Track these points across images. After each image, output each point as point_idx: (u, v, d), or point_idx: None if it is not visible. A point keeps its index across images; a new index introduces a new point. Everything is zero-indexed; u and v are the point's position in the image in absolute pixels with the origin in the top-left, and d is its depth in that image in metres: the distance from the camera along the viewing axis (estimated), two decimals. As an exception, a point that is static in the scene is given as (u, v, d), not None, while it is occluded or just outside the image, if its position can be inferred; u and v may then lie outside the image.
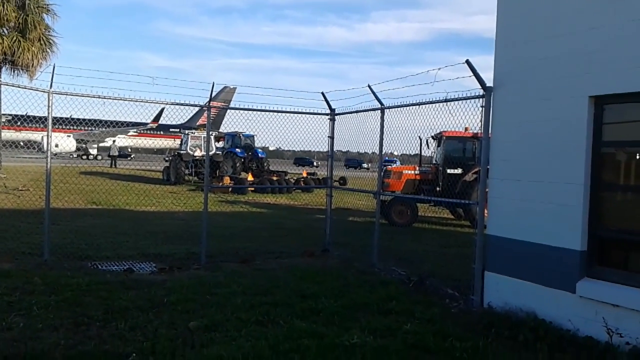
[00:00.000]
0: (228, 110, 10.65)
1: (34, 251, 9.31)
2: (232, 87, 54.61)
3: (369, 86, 9.53)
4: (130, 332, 5.60)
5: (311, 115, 10.94)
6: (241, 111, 10.67)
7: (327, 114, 11.04)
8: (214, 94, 9.92)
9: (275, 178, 28.00)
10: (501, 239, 6.83)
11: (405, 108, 9.00)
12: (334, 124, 11.04)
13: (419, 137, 13.83)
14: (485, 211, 7.30)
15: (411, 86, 8.26)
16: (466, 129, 14.06)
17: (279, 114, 10.64)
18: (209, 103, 10.11)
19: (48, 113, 9.04)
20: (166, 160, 39.17)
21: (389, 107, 9.36)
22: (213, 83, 10.00)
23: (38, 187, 21.61)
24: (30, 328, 5.53)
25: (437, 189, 16.49)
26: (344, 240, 11.42)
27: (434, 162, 17.41)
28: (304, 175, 30.41)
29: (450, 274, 8.69)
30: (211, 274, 8.42)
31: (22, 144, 51.08)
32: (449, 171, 16.39)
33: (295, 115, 10.77)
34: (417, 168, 16.97)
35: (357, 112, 10.26)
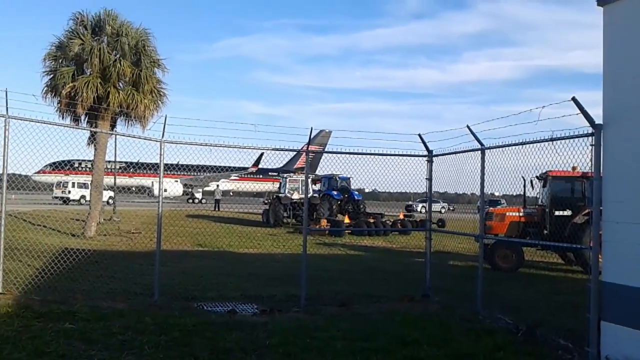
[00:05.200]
0: (324, 154, 10.85)
1: (145, 292, 9.82)
2: (327, 130, 55.56)
3: (468, 127, 9.36)
4: (234, 373, 5.72)
5: (407, 157, 10.88)
6: (337, 154, 10.79)
7: (424, 156, 10.94)
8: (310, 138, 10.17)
9: (371, 220, 27.91)
10: (620, 286, 6.32)
11: (507, 148, 8.73)
12: (431, 165, 10.91)
13: (523, 177, 13.26)
14: (600, 256, 6.81)
15: (513, 125, 8.04)
16: (574, 168, 13.33)
17: (375, 156, 10.67)
18: (308, 147, 10.34)
19: (160, 160, 9.68)
20: (265, 203, 40.32)
21: (490, 148, 9.11)
22: (311, 128, 10.31)
23: (149, 230, 22.97)
24: (141, 366, 5.80)
25: (544, 231, 15.63)
26: (444, 285, 11.07)
27: (539, 203, 16.59)
28: (401, 217, 30.07)
29: (562, 323, 8.13)
30: (311, 318, 8.44)
31: (134, 189, 54.79)
32: (556, 213, 15.52)
33: (391, 157, 10.76)
34: (522, 210, 16.22)
35: (456, 153, 10.07)
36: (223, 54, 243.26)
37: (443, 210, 46.34)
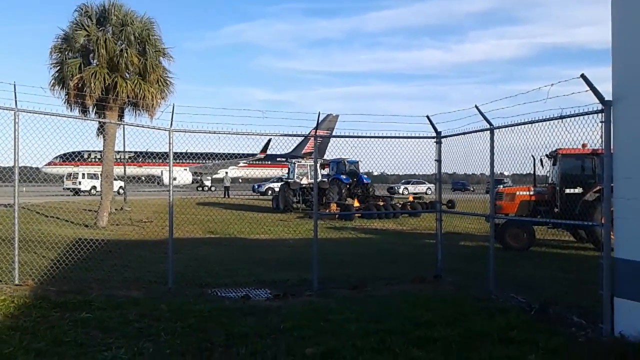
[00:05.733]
0: (331, 138, 10.85)
1: (159, 279, 9.92)
2: (334, 115, 55.54)
3: (477, 107, 9.32)
4: (251, 357, 5.80)
5: (414, 139, 10.85)
6: (344, 138, 10.78)
7: (432, 137, 10.91)
8: (315, 123, 10.17)
9: (381, 203, 27.95)
10: (632, 262, 6.32)
11: (516, 127, 8.70)
12: (440, 146, 10.88)
13: (532, 156, 13.20)
14: (612, 232, 6.80)
15: (522, 104, 8.00)
16: (584, 145, 13.23)
17: (382, 139, 10.65)
18: (316, 132, 10.34)
19: (169, 149, 9.72)
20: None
21: (499, 127, 9.08)
22: (319, 113, 10.32)
23: (160, 218, 23.12)
24: (159, 353, 5.88)
25: (555, 210, 15.58)
26: (455, 266, 11.10)
27: (549, 181, 16.52)
28: (411, 199, 30.08)
29: (575, 300, 8.15)
30: (324, 301, 8.51)
31: (143, 178, 55.05)
32: (567, 191, 15.45)
33: (399, 139, 10.74)
34: (532, 188, 16.16)
35: (464, 133, 10.03)
36: (228, 40, 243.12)
37: (429, 192, 47.10)
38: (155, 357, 5.75)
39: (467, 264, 11.41)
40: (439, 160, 10.92)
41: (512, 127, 8.80)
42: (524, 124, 8.40)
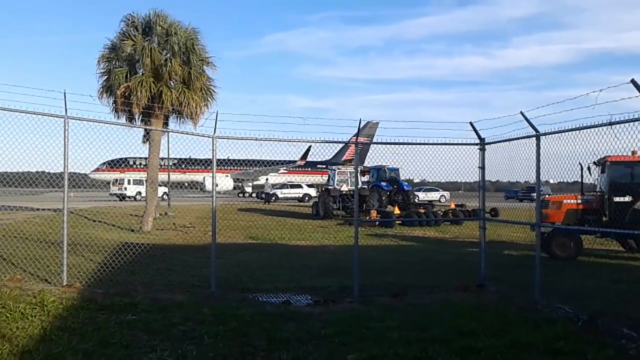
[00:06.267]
0: (372, 145, 10.81)
1: (202, 283, 10.07)
2: (374, 122, 55.43)
3: (522, 113, 9.14)
4: (292, 362, 5.80)
5: (456, 146, 10.68)
6: (385, 145, 10.69)
7: (476, 144, 10.74)
8: (355, 130, 10.15)
9: (422, 210, 27.65)
10: (688, 274, 6.06)
11: (562, 134, 8.48)
12: (484, 153, 10.69)
13: (580, 163, 12.83)
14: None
15: (569, 110, 7.81)
16: (633, 152, 12.79)
17: (424, 145, 10.53)
18: (357, 138, 10.32)
19: (212, 156, 9.87)
20: (313, 196, 40.75)
21: (546, 134, 8.86)
22: (360, 119, 10.31)
23: (202, 224, 23.55)
24: (202, 356, 5.96)
25: (603, 218, 15.10)
26: (499, 275, 10.88)
27: (597, 189, 16.03)
28: (452, 206, 29.66)
29: (624, 312, 7.89)
30: (365, 308, 8.46)
31: (186, 184, 56.06)
32: (616, 199, 14.96)
33: (440, 146, 10.60)
34: (579, 197, 15.70)
35: (509, 140, 9.83)
36: (269, 49, 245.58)
37: (443, 200, 46.37)
38: (198, 360, 5.83)
39: (511, 273, 11.18)
40: (482, 168, 10.73)
41: (559, 134, 8.58)
42: (571, 130, 8.19)
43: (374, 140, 11.63)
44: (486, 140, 10.58)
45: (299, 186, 51.76)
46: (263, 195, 49.44)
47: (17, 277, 9.73)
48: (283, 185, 51.53)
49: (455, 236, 21.88)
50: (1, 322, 6.97)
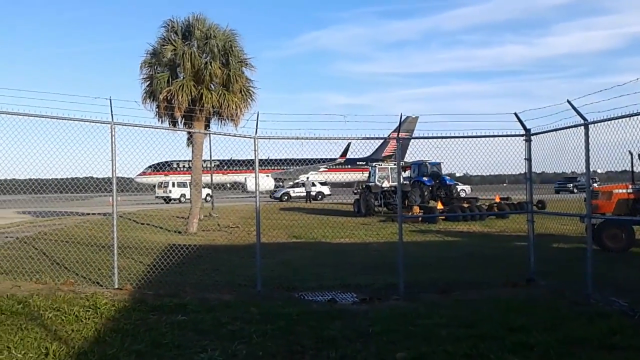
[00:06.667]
0: (412, 140, 10.69)
1: (248, 283, 10.18)
2: (414, 116, 54.91)
3: (569, 101, 8.89)
4: (341, 361, 5.80)
5: (498, 138, 10.43)
6: (425, 139, 10.53)
7: (521, 135, 10.48)
8: (395, 125, 10.06)
9: (466, 205, 27.23)
10: None
11: (612, 121, 8.19)
12: (530, 145, 10.43)
13: (630, 152, 12.38)
14: None
15: (618, 97, 7.54)
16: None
17: (465, 139, 10.32)
18: (398, 134, 10.23)
19: (255, 156, 9.96)
20: (355, 193, 40.55)
21: (594, 122, 8.56)
22: (401, 114, 10.23)
23: (245, 224, 23.83)
24: (252, 355, 6.02)
25: (657, 208, 14.54)
26: (549, 269, 10.60)
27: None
28: (497, 200, 29.11)
29: (684, 305, 7.56)
30: (411, 305, 8.38)
31: (228, 185, 56.75)
32: (670, 188, 14.38)
33: (482, 139, 10.38)
34: (630, 186, 15.15)
35: (556, 130, 9.55)
36: (304, 48, 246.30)
37: (463, 194, 45.12)
38: (248, 359, 5.89)
39: (561, 266, 10.89)
40: (528, 159, 10.45)
41: (608, 122, 8.30)
42: (621, 117, 7.91)
43: (414, 134, 11.47)
44: (532, 131, 10.32)
45: (313, 184, 51.91)
46: (278, 195, 49.58)
47: (71, 280, 10.05)
48: (295, 184, 51.49)
49: (502, 230, 21.43)
50: (57, 324, 7.22)
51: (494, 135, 10.30)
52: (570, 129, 9.22)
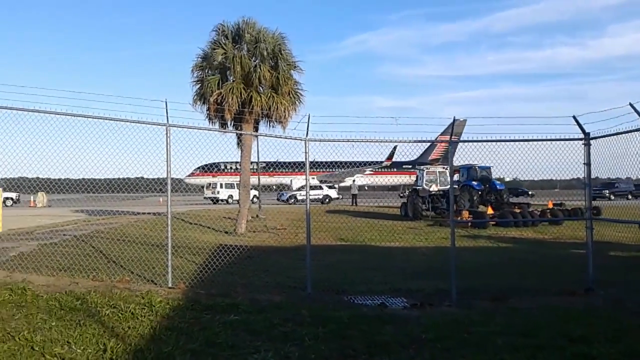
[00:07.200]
0: (459, 143, 10.46)
1: (297, 285, 10.20)
2: (462, 119, 54.16)
3: (631, 104, 8.59)
4: (395, 367, 5.73)
5: (550, 142, 10.10)
6: (473, 143, 10.29)
7: (580, 139, 10.12)
8: (442, 128, 9.91)
9: (517, 210, 26.54)
10: None
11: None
12: (589, 149, 10.06)
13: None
14: None
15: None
16: None
17: (515, 143, 10.04)
18: (451, 137, 10.10)
19: (305, 158, 9.97)
20: (401, 197, 40.19)
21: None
22: (454, 117, 10.09)
23: (292, 225, 23.95)
24: (304, 358, 6.02)
25: None
26: (607, 278, 10.23)
27: None
28: (550, 206, 28.27)
29: None
30: (464, 312, 8.21)
31: (274, 187, 57.30)
32: None
33: (533, 143, 10.08)
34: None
35: (619, 133, 9.16)
36: (350, 51, 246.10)
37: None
38: (302, 362, 5.90)
39: (621, 275, 10.54)
40: (587, 164, 10.07)
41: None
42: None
43: (462, 138, 11.21)
44: (591, 135, 9.96)
45: (320, 187, 51.67)
46: (285, 198, 49.52)
47: (126, 278, 10.32)
48: (302, 187, 51.35)
49: (556, 237, 20.77)
50: (114, 321, 7.41)
51: (551, 139, 10.02)
52: (633, 133, 8.86)
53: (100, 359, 5.99)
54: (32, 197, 40.64)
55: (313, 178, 57.49)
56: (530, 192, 40.72)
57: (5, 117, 9.50)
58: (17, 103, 9.30)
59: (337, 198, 51.11)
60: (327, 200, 49.74)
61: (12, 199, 39.96)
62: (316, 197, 49.84)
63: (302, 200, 48.19)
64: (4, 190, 25.04)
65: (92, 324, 7.20)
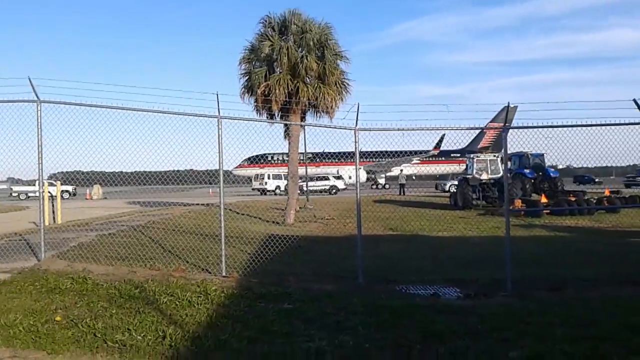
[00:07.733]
0: (509, 130, 10.14)
1: (348, 274, 10.18)
2: (512, 105, 52.71)
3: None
4: (450, 357, 5.67)
5: (604, 127, 9.67)
6: (523, 130, 9.97)
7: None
8: (492, 115, 9.66)
9: (572, 199, 25.75)
10: None
11: None
12: (653, 134, 9.63)
13: None
14: None
15: None
16: None
17: (568, 129, 9.67)
18: (505, 124, 9.86)
19: (355, 148, 9.94)
20: (438, 189, 39.61)
21: None
22: (508, 104, 9.82)
23: (340, 215, 23.98)
24: (359, 346, 6.02)
25: None
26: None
27: None
28: (607, 194, 27.28)
29: None
30: (521, 302, 8.03)
31: (317, 177, 57.47)
32: None
33: (587, 128, 9.68)
34: None
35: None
36: (396, 39, 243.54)
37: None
38: (356, 351, 5.89)
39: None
40: (650, 149, 9.67)
41: None
42: None
43: (513, 124, 10.87)
44: (653, 119, 9.52)
45: (326, 178, 51.10)
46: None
47: (182, 267, 10.57)
48: (310, 179, 50.86)
49: (614, 225, 20.03)
50: (171, 309, 7.62)
51: (612, 124, 9.60)
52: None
53: (159, 345, 6.17)
54: (88, 190, 42.07)
55: (360, 168, 57.44)
56: (596, 179, 39.59)
57: (74, 112, 9.94)
58: (77, 99, 9.69)
59: (344, 189, 51.15)
60: (334, 191, 49.69)
61: (69, 191, 41.47)
62: (323, 187, 49.87)
63: (311, 191, 48.33)
64: (62, 183, 26.05)
65: (151, 312, 7.42)
